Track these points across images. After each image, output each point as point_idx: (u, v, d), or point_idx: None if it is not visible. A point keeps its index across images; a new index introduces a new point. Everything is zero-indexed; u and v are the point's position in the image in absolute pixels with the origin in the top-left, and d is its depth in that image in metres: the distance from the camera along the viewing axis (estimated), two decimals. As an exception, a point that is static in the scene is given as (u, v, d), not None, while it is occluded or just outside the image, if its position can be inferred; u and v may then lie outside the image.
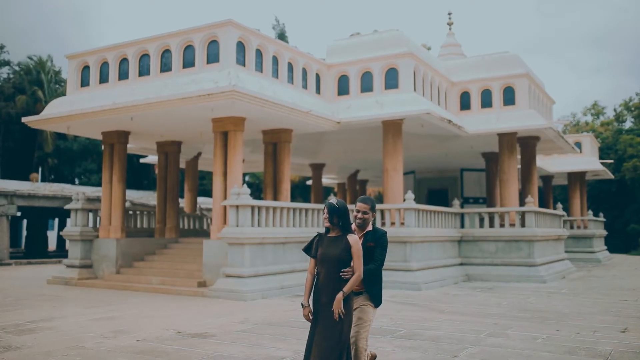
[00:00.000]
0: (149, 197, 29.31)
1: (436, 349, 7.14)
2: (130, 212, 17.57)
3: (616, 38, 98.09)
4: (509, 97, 17.68)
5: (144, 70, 14.28)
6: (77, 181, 45.68)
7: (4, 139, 41.30)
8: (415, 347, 7.25)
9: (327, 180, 32.60)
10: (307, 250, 4.78)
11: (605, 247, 31.19)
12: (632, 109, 48.76)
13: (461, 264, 17.20)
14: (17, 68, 43.44)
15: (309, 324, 4.67)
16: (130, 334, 8.20)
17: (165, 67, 13.96)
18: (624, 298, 12.61)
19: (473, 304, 11.60)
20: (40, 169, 42.88)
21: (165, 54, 13.98)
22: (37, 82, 41.92)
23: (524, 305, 11.29)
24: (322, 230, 4.82)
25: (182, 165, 21.86)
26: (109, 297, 12.62)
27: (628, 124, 49.06)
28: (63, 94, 34.42)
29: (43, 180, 41.55)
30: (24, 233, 34.08)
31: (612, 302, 11.84)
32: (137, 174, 44.00)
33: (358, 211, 4.87)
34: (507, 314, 10.10)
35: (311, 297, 4.68)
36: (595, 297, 12.74)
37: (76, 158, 42.91)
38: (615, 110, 50.26)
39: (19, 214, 29.61)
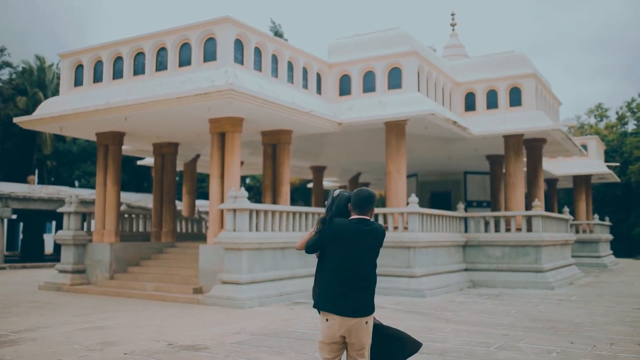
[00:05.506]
0: (148, 200, 28.83)
1: (444, 365, 6.65)
2: (126, 216, 17.06)
3: (613, 41, 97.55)
4: (516, 97, 17.17)
5: (139, 69, 13.81)
6: (77, 184, 45.24)
7: (3, 141, 40.92)
8: (422, 362, 6.76)
9: (328, 183, 32.11)
10: None
11: (612, 252, 30.66)
12: (635, 110, 48.22)
13: (466, 270, 16.69)
14: (19, 69, 43.06)
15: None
16: (118, 345, 7.71)
17: (161, 65, 13.49)
18: (637, 306, 12.10)
19: (480, 312, 11.10)
20: (37, 171, 42.43)
21: (161, 52, 13.52)
22: (39, 84, 41.55)
23: (533, 314, 10.78)
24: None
25: (181, 167, 21.40)
26: (101, 304, 12.13)
27: (631, 126, 48.53)
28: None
29: (42, 182, 41.12)
30: (21, 236, 33.62)
31: (625, 311, 11.33)
32: (137, 177, 43.57)
33: None
34: (517, 324, 9.59)
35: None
36: (607, 305, 12.24)
37: (75, 160, 42.50)
38: (617, 112, 49.70)
39: (14, 216, 29.21)
